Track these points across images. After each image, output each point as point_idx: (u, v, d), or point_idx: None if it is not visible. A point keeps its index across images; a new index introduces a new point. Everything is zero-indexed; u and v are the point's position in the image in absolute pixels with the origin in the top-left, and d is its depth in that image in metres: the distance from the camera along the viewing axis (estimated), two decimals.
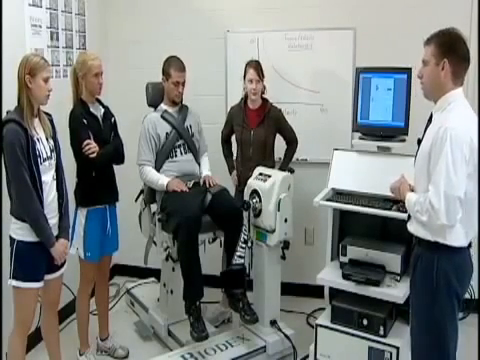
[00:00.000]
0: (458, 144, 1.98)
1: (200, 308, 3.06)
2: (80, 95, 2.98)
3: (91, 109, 2.99)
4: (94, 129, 2.96)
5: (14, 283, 2.51)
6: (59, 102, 2.91)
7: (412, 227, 2.22)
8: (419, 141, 2.23)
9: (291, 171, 3.42)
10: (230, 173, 3.68)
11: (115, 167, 3.16)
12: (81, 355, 3.21)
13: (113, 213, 3.16)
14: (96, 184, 3.00)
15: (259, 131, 3.47)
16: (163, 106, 3.38)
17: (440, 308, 2.10)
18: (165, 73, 3.30)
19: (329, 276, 3.00)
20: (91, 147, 2.89)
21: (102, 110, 3.07)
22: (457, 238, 2.08)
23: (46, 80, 2.51)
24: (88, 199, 3.02)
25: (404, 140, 3.05)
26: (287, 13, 3.85)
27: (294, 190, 3.23)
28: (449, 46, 2.09)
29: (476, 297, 3.66)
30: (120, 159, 3.13)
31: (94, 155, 2.89)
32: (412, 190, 2.23)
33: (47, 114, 2.64)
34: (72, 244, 2.99)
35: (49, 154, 2.56)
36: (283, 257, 3.29)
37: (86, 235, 3.01)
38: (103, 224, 3.09)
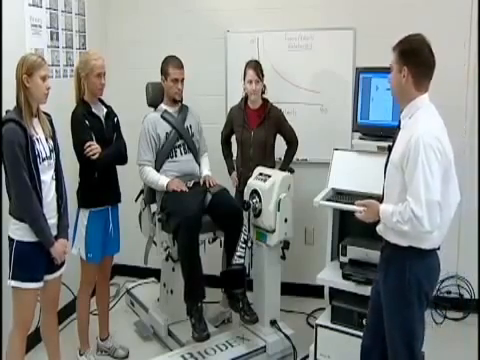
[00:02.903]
0: (431, 149, 2.01)
1: (202, 309, 3.05)
2: (82, 95, 2.98)
3: (93, 109, 2.98)
4: (96, 130, 2.95)
5: (13, 283, 2.50)
6: (59, 102, 2.91)
7: (382, 230, 2.25)
8: (389, 148, 2.25)
9: (291, 171, 3.43)
10: (230, 174, 3.68)
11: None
12: (81, 355, 3.21)
13: (115, 214, 3.15)
14: (98, 185, 2.99)
15: (259, 131, 3.47)
16: (163, 106, 3.38)
17: (412, 309, 2.15)
18: (163, 72, 3.30)
19: (329, 276, 3.01)
20: (92, 149, 2.88)
21: (105, 110, 3.06)
22: (432, 242, 2.13)
23: (44, 78, 2.49)
24: (90, 200, 3.02)
25: None
26: (287, 13, 3.86)
27: (294, 190, 3.23)
28: (409, 54, 2.11)
29: (476, 297, 3.66)
30: (123, 160, 3.11)
31: (96, 156, 2.89)
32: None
33: (47, 114, 2.64)
34: (74, 245, 3.00)
35: (48, 154, 2.55)
36: (283, 257, 3.30)
37: (88, 236, 3.01)
38: (105, 225, 3.08)
